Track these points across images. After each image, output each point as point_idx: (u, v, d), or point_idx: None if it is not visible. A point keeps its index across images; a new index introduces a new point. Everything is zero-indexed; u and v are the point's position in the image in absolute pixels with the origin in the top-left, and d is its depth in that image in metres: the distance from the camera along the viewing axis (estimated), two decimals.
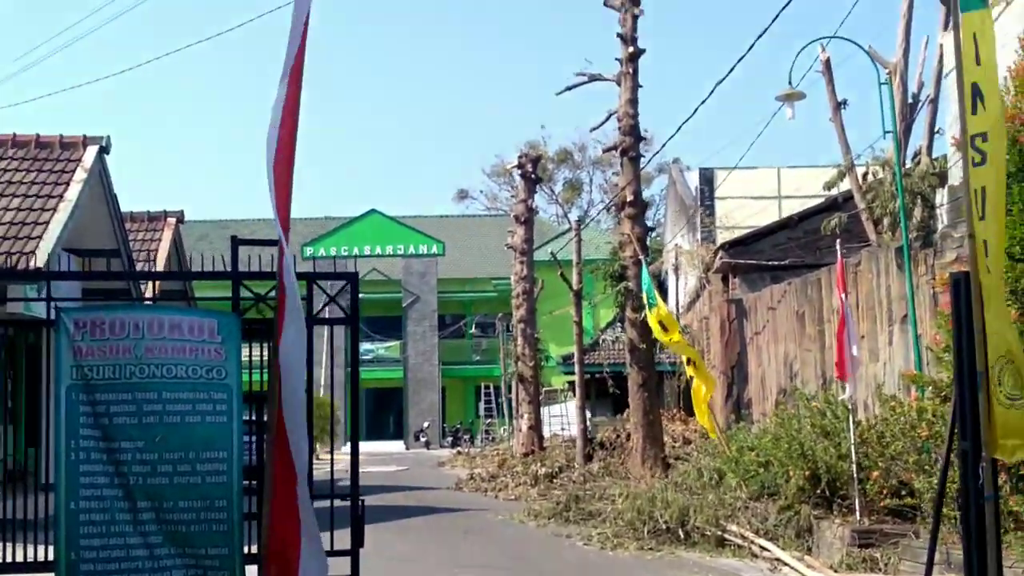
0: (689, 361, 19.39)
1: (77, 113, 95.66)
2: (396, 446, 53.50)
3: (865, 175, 17.94)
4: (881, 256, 15.13)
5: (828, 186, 16.64)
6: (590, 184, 70.81)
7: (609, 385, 32.15)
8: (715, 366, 23.56)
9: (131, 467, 6.04)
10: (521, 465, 26.83)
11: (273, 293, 6.44)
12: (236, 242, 7.03)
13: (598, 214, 56.48)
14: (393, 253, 56.13)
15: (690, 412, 29.11)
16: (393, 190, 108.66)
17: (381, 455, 45.64)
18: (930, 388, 10.54)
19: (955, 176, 13.38)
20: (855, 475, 13.31)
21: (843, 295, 13.96)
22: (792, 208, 27.80)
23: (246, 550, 6.35)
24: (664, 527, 15.21)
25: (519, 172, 32.93)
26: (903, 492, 12.29)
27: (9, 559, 7.09)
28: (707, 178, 36.78)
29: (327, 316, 7.55)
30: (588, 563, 13.98)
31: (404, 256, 56.34)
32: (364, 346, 57.00)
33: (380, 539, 14.64)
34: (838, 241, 14.44)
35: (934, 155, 16.42)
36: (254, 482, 6.58)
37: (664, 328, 19.10)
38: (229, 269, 7.00)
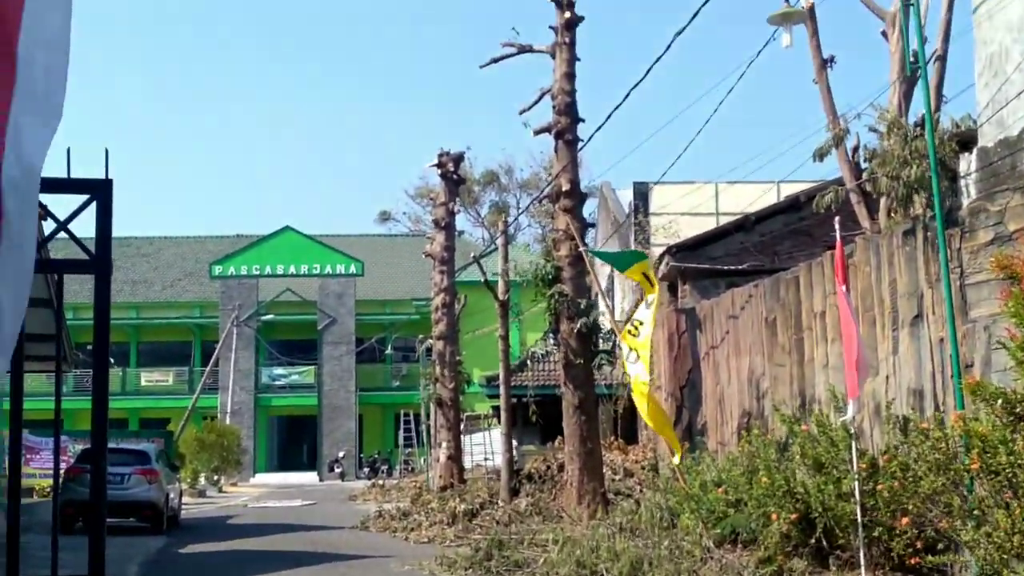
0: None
1: None
2: (309, 477, 50.48)
3: (855, 149, 14.95)
4: (883, 244, 12.03)
5: (819, 155, 13.64)
6: (517, 207, 67.90)
7: (532, 411, 28.42)
8: (660, 387, 20.25)
9: None
10: (438, 501, 23.52)
11: None
12: None
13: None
14: (308, 273, 52.98)
15: (629, 440, 25.94)
16: (312, 210, 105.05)
17: (291, 488, 42.77)
18: (999, 402, 7.43)
19: (988, 135, 10.41)
20: (859, 519, 10.32)
21: (844, 287, 10.93)
22: None
23: None
24: None
25: (439, 172, 29.75)
26: (939, 545, 9.18)
27: None
28: (641, 193, 34.47)
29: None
30: None
31: (320, 276, 53.14)
32: (276, 371, 53.77)
33: None
34: (836, 219, 11.38)
35: (943, 119, 13.45)
36: None
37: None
38: None
